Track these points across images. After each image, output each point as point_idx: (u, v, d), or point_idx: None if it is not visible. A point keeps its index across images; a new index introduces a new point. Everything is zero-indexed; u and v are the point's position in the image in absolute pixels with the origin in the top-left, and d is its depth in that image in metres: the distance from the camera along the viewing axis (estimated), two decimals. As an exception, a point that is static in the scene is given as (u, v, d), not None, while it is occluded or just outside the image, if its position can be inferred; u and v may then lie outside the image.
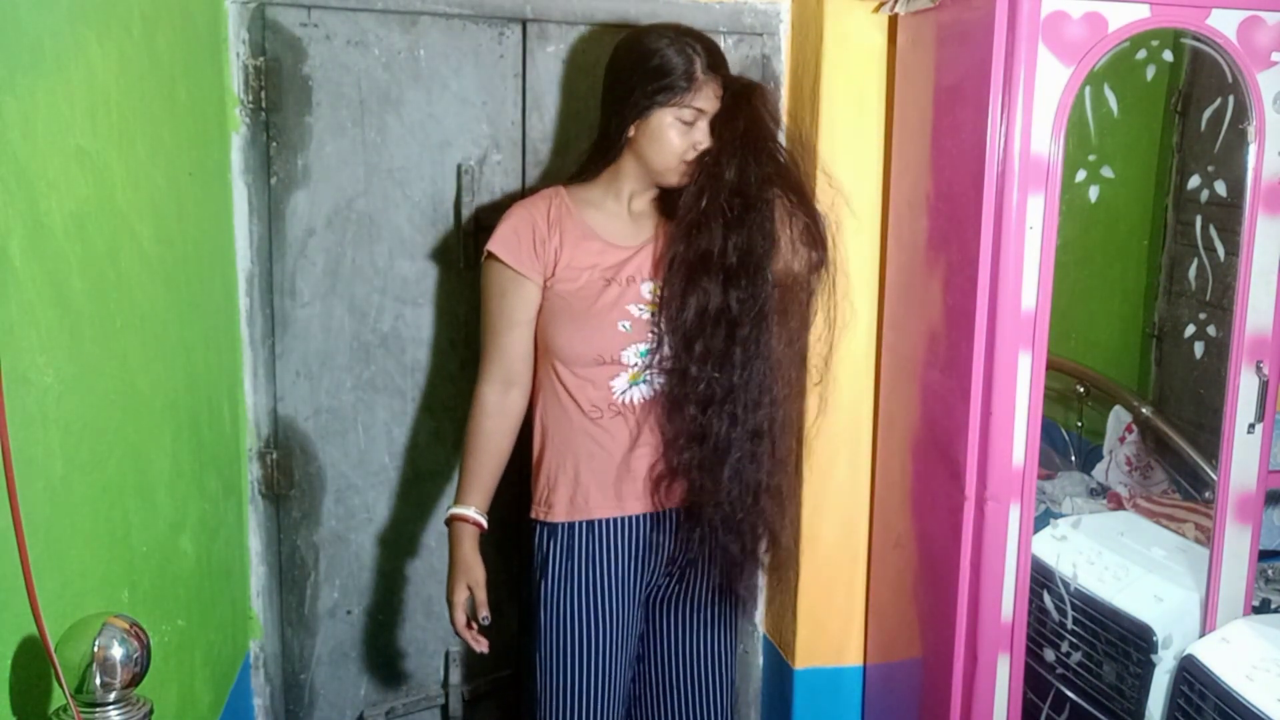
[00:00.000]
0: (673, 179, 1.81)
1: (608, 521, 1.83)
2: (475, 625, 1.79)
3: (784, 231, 1.81)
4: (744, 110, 1.79)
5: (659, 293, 1.80)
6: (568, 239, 1.81)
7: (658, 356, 1.80)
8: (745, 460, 1.79)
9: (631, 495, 1.83)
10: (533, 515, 1.87)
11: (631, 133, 1.79)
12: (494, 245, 1.81)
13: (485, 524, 1.82)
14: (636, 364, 1.80)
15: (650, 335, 1.80)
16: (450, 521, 1.82)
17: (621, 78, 1.80)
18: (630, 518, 1.84)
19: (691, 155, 1.79)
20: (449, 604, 1.80)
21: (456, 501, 1.83)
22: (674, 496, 1.84)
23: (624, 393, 1.81)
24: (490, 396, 1.82)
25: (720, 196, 1.76)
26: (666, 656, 1.94)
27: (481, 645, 1.79)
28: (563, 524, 1.83)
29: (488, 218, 2.15)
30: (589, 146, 1.91)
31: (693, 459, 1.78)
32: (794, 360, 1.93)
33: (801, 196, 1.85)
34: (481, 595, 1.78)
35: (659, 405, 1.81)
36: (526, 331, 1.82)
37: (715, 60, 1.80)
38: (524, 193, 2.18)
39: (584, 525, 1.82)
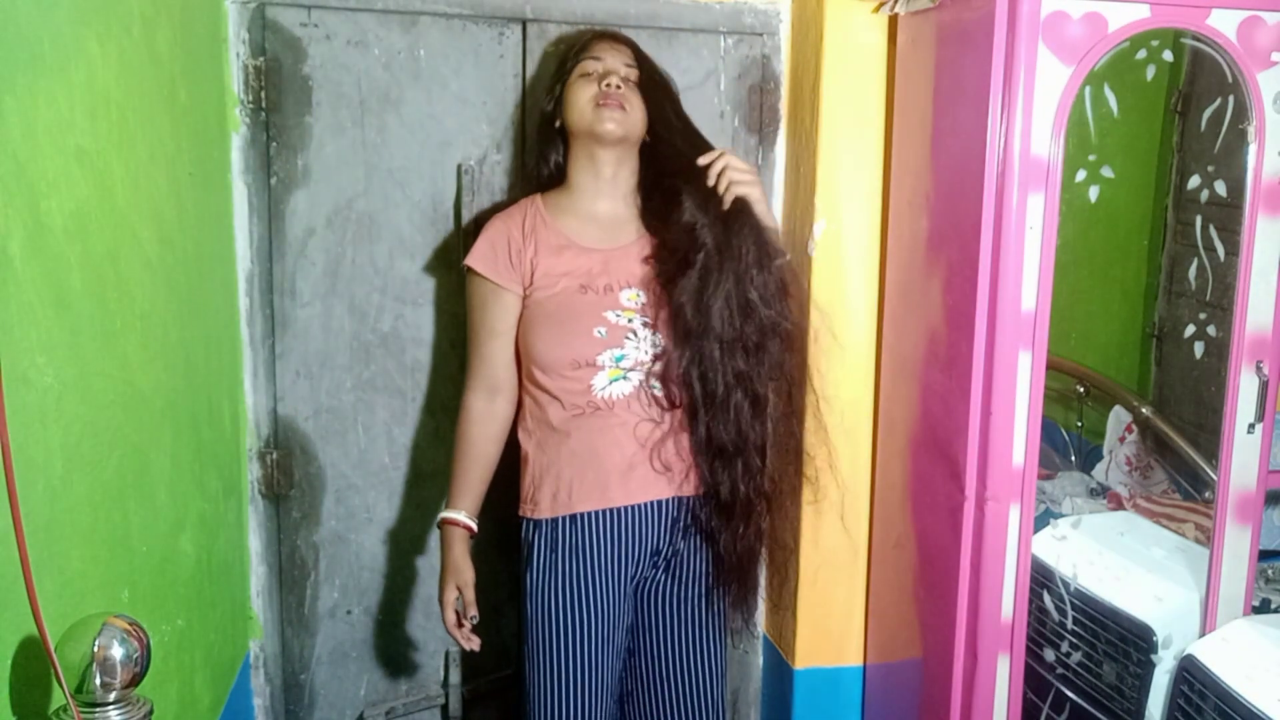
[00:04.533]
0: (600, 127, 1.84)
1: (590, 514, 1.84)
2: (465, 624, 1.84)
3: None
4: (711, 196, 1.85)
5: (639, 300, 1.85)
6: (543, 247, 1.87)
7: (656, 364, 1.82)
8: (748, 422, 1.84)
9: (613, 488, 1.84)
10: (520, 513, 1.90)
11: (558, 123, 1.91)
12: (472, 260, 1.88)
13: (475, 528, 1.88)
14: (611, 366, 1.83)
15: (627, 340, 1.83)
16: (441, 525, 1.88)
17: (542, 98, 1.98)
18: (612, 510, 1.85)
19: (606, 95, 1.83)
20: (440, 604, 1.86)
21: (447, 506, 1.89)
22: (656, 488, 1.86)
23: (604, 389, 1.83)
24: (476, 404, 1.88)
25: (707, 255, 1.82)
26: (657, 648, 1.95)
27: (473, 643, 1.85)
28: (546, 519, 1.85)
29: (488, 218, 2.15)
30: (542, 164, 1.99)
31: (713, 442, 1.83)
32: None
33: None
34: (470, 596, 1.83)
35: (653, 400, 1.84)
36: (508, 340, 1.88)
37: (608, 33, 1.95)
38: (524, 193, 2.18)
39: (567, 519, 1.84)
